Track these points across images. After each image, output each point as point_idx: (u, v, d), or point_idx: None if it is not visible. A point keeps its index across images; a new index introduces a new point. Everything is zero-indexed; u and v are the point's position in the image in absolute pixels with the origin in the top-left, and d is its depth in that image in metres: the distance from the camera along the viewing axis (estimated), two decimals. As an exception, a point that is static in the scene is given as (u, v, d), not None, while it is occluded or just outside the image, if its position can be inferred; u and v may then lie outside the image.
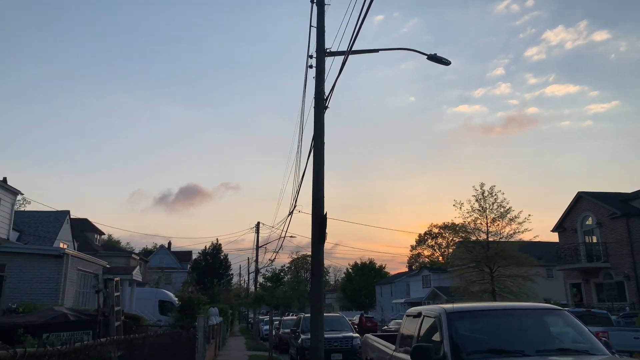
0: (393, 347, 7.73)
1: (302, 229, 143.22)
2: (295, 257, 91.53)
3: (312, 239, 9.51)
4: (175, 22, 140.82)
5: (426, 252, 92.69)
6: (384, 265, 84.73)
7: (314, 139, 10.13)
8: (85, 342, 4.22)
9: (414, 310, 7.38)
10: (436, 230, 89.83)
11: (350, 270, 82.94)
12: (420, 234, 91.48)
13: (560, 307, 6.46)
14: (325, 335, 10.58)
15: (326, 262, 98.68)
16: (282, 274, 19.60)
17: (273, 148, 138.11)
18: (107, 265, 20.06)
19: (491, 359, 5.22)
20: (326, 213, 9.44)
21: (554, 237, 37.31)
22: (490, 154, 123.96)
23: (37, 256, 15.19)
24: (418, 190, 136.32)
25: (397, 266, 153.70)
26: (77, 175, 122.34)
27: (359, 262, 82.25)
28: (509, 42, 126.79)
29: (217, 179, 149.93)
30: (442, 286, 54.32)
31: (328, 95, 10.37)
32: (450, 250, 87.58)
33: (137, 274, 21.37)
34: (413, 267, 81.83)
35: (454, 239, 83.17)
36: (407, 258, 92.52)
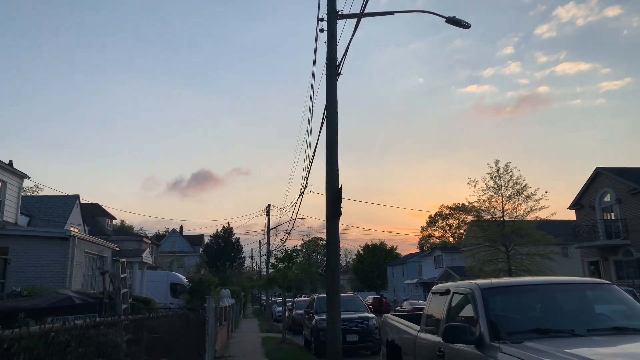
0: (417, 327, 7.13)
1: (313, 212, 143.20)
2: (307, 239, 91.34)
3: (326, 213, 8.89)
4: (182, 8, 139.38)
5: (437, 233, 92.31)
6: (395, 247, 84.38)
7: (326, 106, 9.45)
8: (54, 325, 3.65)
9: (441, 287, 6.76)
10: (447, 212, 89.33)
11: (361, 251, 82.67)
12: (430, 215, 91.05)
13: (608, 281, 5.78)
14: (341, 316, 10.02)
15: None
16: (294, 254, 19.12)
17: (283, 132, 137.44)
18: (116, 248, 19.69)
19: (537, 340, 4.58)
20: (341, 186, 8.81)
21: (569, 216, 36.46)
22: (501, 135, 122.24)
23: (42, 239, 14.79)
24: (428, 172, 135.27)
25: (407, 248, 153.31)
26: (91, 163, 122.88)
27: (369, 243, 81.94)
28: (518, 20, 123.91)
29: (228, 165, 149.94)
30: (455, 266, 53.80)
31: (341, 61, 9.66)
32: (462, 231, 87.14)
33: (147, 257, 21.01)
34: (424, 247, 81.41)
35: (465, 219, 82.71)
36: (418, 239, 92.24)
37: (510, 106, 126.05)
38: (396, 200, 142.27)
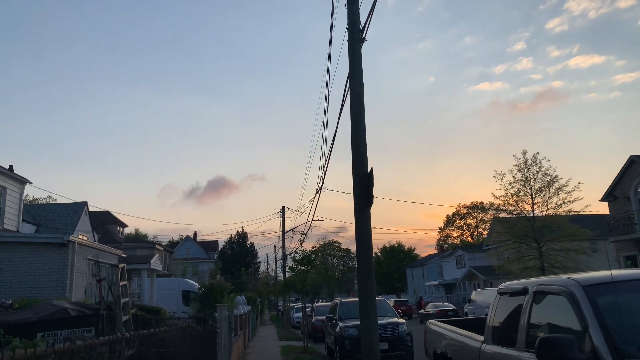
0: (479, 337, 5.66)
1: (329, 214, 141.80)
2: (322, 243, 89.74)
3: (354, 202, 7.47)
4: (195, 17, 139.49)
5: (455, 233, 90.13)
6: (413, 248, 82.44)
7: (349, 77, 8.05)
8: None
9: (512, 285, 5.27)
10: (464, 211, 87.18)
11: (379, 254, 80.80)
12: (448, 215, 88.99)
13: None
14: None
15: (353, 248, 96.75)
16: (313, 255, 17.67)
17: (298, 138, 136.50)
18: (123, 255, 18.42)
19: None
20: (372, 168, 7.38)
21: (595, 210, 34.67)
22: (515, 131, 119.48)
23: (39, 245, 13.55)
24: (442, 172, 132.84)
25: (424, 250, 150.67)
26: (108, 173, 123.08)
27: (387, 245, 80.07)
28: (529, 15, 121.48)
29: (244, 171, 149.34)
30: (478, 265, 51.87)
31: (365, 24, 8.24)
32: (480, 230, 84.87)
33: (155, 263, 19.72)
34: (444, 248, 79.39)
35: (484, 217, 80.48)
36: (436, 240, 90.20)
37: (524, 102, 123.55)
38: (412, 201, 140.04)
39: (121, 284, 9.82)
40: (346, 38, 8.36)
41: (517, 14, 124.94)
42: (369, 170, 7.45)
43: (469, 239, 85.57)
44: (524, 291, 4.79)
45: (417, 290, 68.33)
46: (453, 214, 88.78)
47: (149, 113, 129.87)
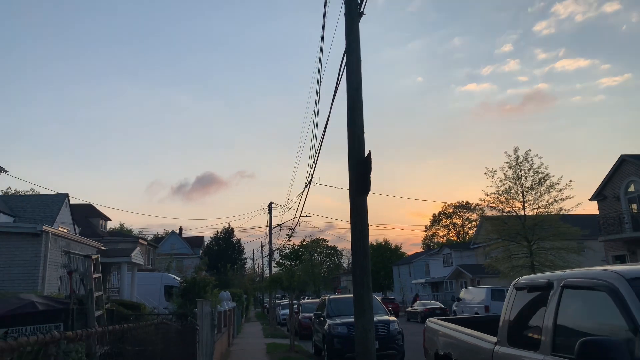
0: (490, 337, 5.06)
1: (316, 211, 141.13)
2: (309, 240, 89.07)
3: (350, 189, 6.84)
4: (182, 13, 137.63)
5: (441, 232, 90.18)
6: (399, 246, 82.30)
7: (346, 53, 7.40)
8: None
9: (534, 279, 4.67)
10: (450, 210, 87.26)
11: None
12: (434, 214, 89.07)
13: None
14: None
15: (340, 245, 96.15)
16: (301, 250, 17.02)
17: (287, 136, 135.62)
18: (102, 247, 17.59)
19: None
20: (370, 151, 6.75)
21: (583, 209, 34.49)
22: (503, 133, 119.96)
23: (10, 235, 12.71)
24: (429, 172, 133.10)
25: (410, 248, 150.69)
26: (96, 167, 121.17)
27: (374, 243, 79.74)
28: (517, 17, 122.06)
29: (233, 168, 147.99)
30: (465, 264, 51.69)
31: (363, -3, 7.59)
32: (467, 229, 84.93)
33: (136, 256, 18.89)
34: (431, 246, 79.35)
35: (470, 216, 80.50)
36: (422, 238, 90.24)
37: (510, 104, 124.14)
38: (398, 201, 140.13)
39: (94, 276, 9.06)
40: (342, 12, 7.71)
41: (505, 16, 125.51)
42: (366, 154, 6.82)
43: (455, 238, 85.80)
44: (548, 286, 4.19)
45: (403, 288, 68.12)
46: (439, 213, 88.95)
47: (138, 108, 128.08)
